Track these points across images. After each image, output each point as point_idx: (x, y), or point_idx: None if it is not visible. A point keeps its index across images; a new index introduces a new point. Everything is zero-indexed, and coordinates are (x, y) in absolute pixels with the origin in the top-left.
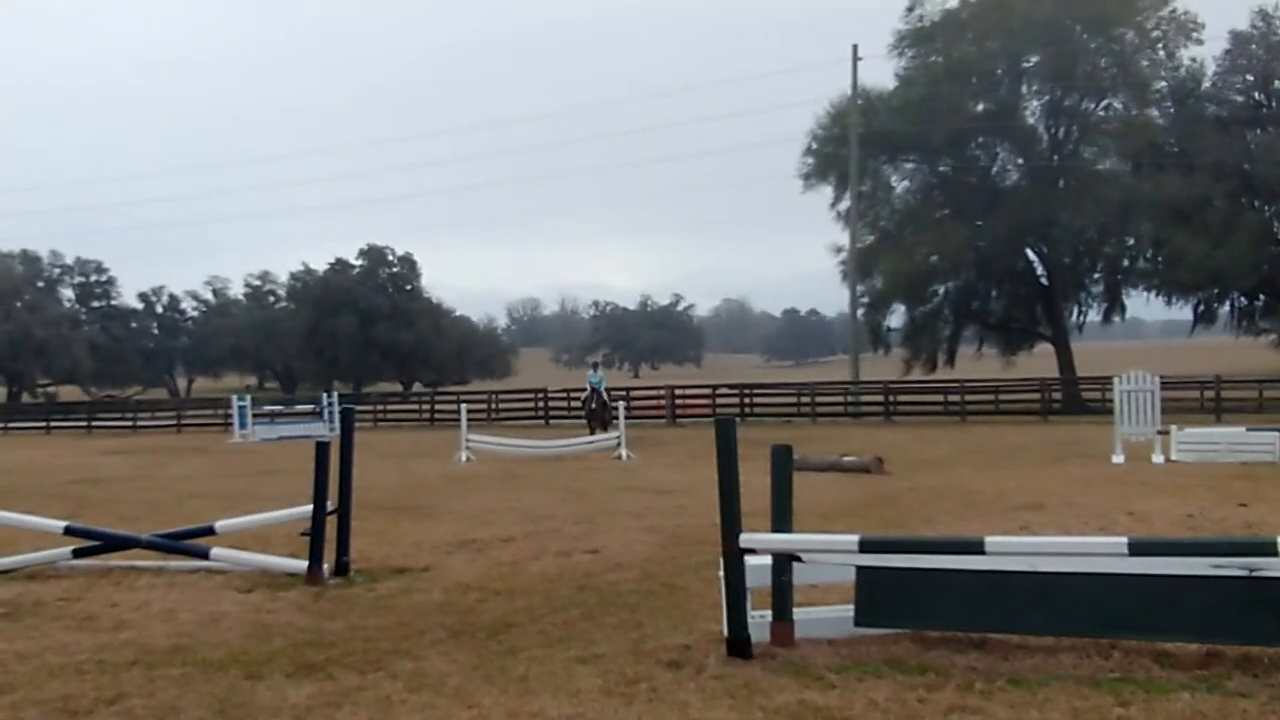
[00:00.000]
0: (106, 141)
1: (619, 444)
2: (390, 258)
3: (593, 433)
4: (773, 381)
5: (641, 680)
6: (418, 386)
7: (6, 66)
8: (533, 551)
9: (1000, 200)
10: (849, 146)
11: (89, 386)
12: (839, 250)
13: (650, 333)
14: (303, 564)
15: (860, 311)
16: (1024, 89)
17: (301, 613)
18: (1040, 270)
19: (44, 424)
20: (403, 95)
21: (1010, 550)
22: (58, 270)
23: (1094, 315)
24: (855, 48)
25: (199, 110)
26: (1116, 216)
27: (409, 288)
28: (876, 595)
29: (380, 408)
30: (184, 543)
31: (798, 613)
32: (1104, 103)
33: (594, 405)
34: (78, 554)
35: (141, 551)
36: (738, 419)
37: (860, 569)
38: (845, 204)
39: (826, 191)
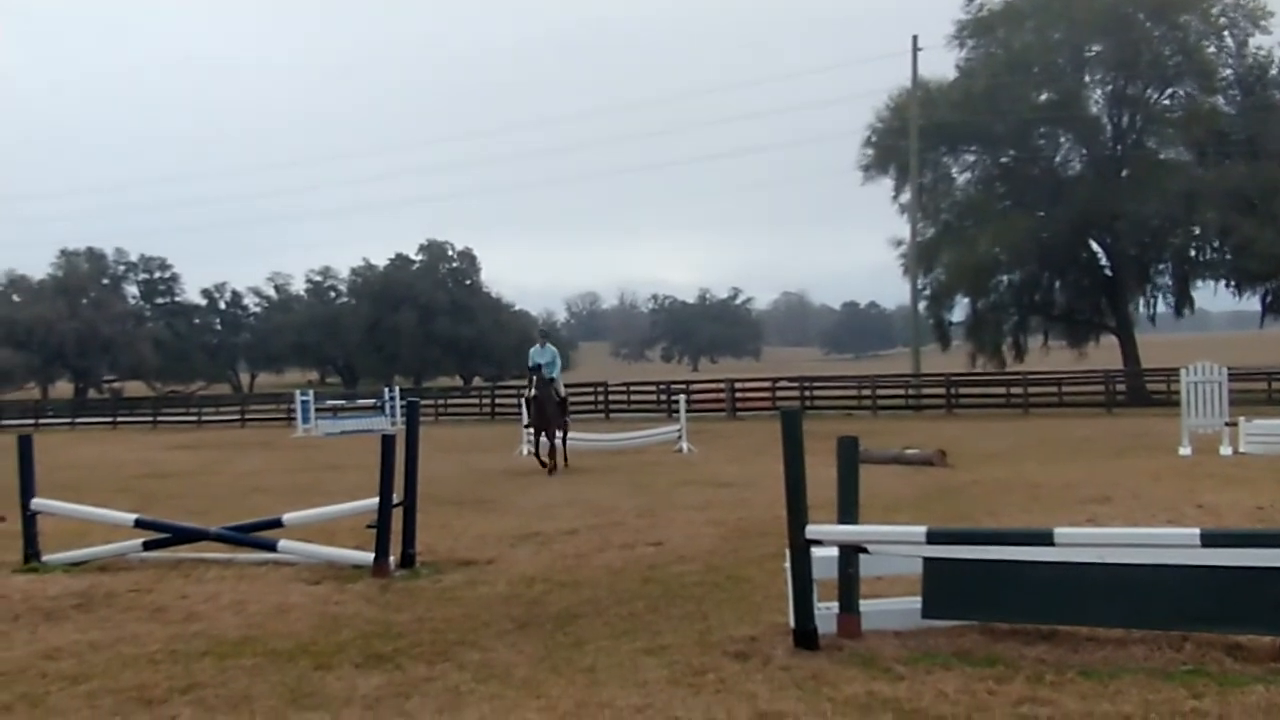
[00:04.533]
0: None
1: (680, 437)
2: (450, 253)
3: (537, 439)
4: (833, 374)
5: (708, 671)
6: (478, 381)
7: (75, 67)
8: (596, 544)
9: (1063, 191)
10: (909, 138)
11: (154, 382)
12: (899, 243)
13: (709, 326)
14: (369, 556)
15: (921, 304)
16: (1087, 78)
17: (369, 604)
18: (1104, 261)
19: (111, 419)
20: (463, 92)
21: (1080, 542)
22: (123, 267)
23: (1162, 307)
24: (915, 39)
25: (260, 110)
26: (1182, 206)
27: (469, 283)
28: (944, 587)
29: (441, 402)
30: (252, 535)
31: (864, 604)
32: (1168, 91)
33: (534, 394)
34: (148, 546)
35: (210, 544)
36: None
37: (927, 561)
38: (906, 196)
39: (886, 184)
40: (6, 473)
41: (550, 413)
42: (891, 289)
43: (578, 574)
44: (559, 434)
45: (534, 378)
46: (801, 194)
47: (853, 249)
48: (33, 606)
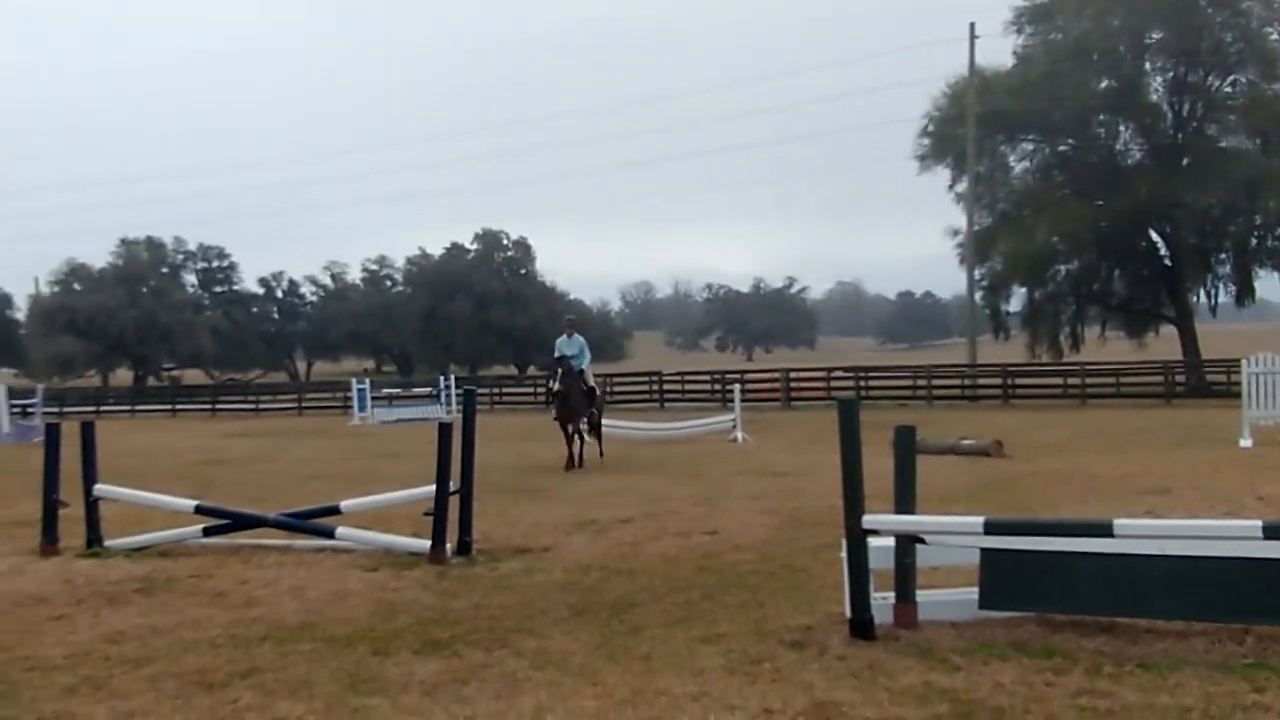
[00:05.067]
0: (227, 130)
1: (735, 426)
2: (505, 242)
3: (568, 437)
4: (888, 364)
5: (764, 660)
6: (532, 370)
7: (133, 57)
8: (651, 532)
9: (1122, 179)
10: (966, 126)
11: (212, 370)
12: (956, 232)
13: (763, 316)
14: (426, 544)
15: (978, 294)
16: (1147, 65)
17: (426, 591)
18: (1164, 250)
19: (170, 407)
20: (519, 79)
21: (1140, 533)
22: (181, 256)
23: (1223, 297)
24: (972, 26)
25: (316, 98)
26: (1243, 194)
27: (523, 271)
28: (1001, 578)
29: (496, 391)
30: (310, 522)
31: (920, 595)
32: (1230, 78)
33: (558, 387)
34: (207, 532)
35: (269, 530)
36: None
37: (985, 551)
38: (962, 185)
39: (943, 173)
40: (69, 459)
41: (575, 405)
42: (947, 279)
43: (633, 562)
44: (585, 426)
45: (559, 370)
46: (857, 183)
47: (908, 238)
48: (96, 591)
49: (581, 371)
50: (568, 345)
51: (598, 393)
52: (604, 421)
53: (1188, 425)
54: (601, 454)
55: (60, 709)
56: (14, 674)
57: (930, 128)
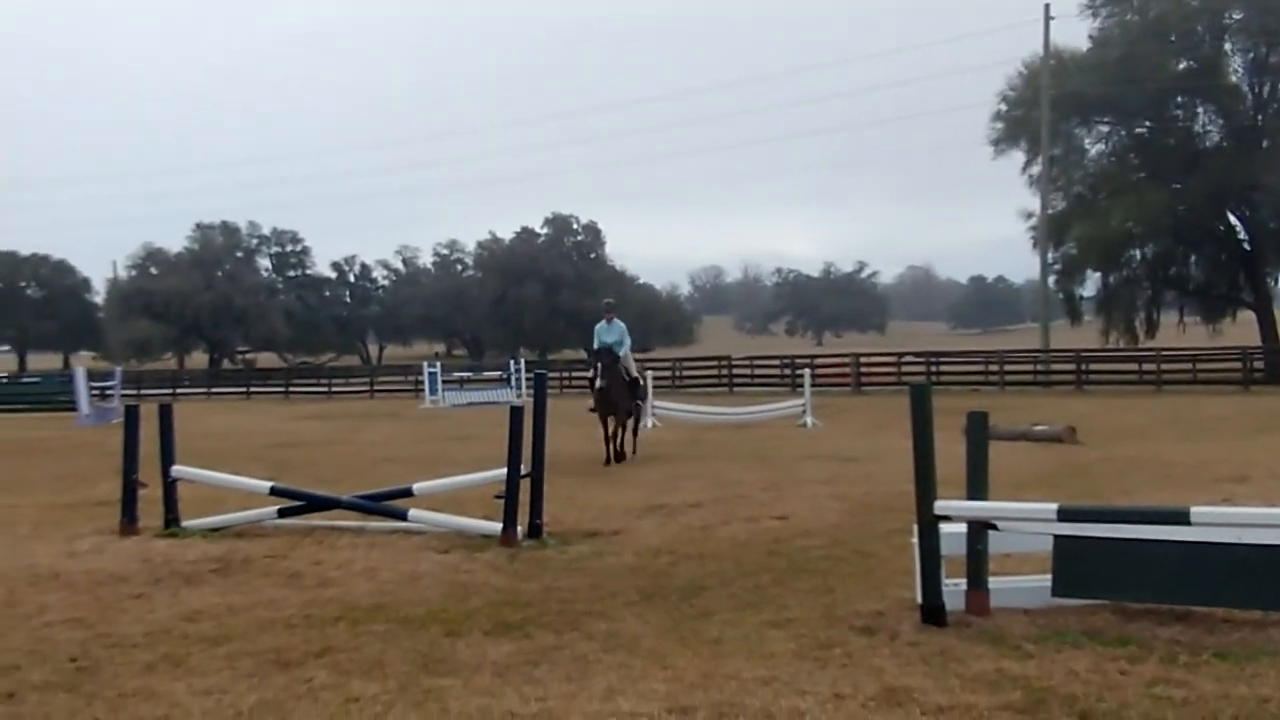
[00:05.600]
0: (302, 115)
1: (804, 411)
2: (575, 226)
3: (607, 433)
4: (960, 349)
5: (835, 645)
6: None
7: (210, 44)
8: (721, 516)
9: (1200, 162)
10: (1040, 109)
11: (285, 353)
12: (1029, 216)
13: (833, 300)
14: (497, 526)
15: (1051, 279)
16: (1226, 46)
17: (497, 573)
18: (1242, 234)
19: (244, 390)
20: (587, 65)
21: (1217, 521)
22: (255, 241)
23: None
24: (1047, 7)
25: (388, 85)
26: None
27: (593, 256)
28: (1074, 565)
29: (565, 375)
30: (383, 504)
31: (992, 581)
32: None
33: (601, 382)
34: (282, 514)
35: (342, 512)
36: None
37: (1058, 538)
38: (1036, 168)
39: (1016, 156)
40: (147, 441)
41: (616, 397)
42: (1020, 263)
43: (703, 546)
44: (629, 421)
45: (599, 363)
46: (929, 167)
47: (980, 222)
48: (174, 570)
49: (619, 357)
50: (607, 332)
51: (640, 383)
52: (671, 406)
53: (1266, 412)
54: (634, 450)
55: (140, 685)
56: (96, 650)
57: (1004, 110)
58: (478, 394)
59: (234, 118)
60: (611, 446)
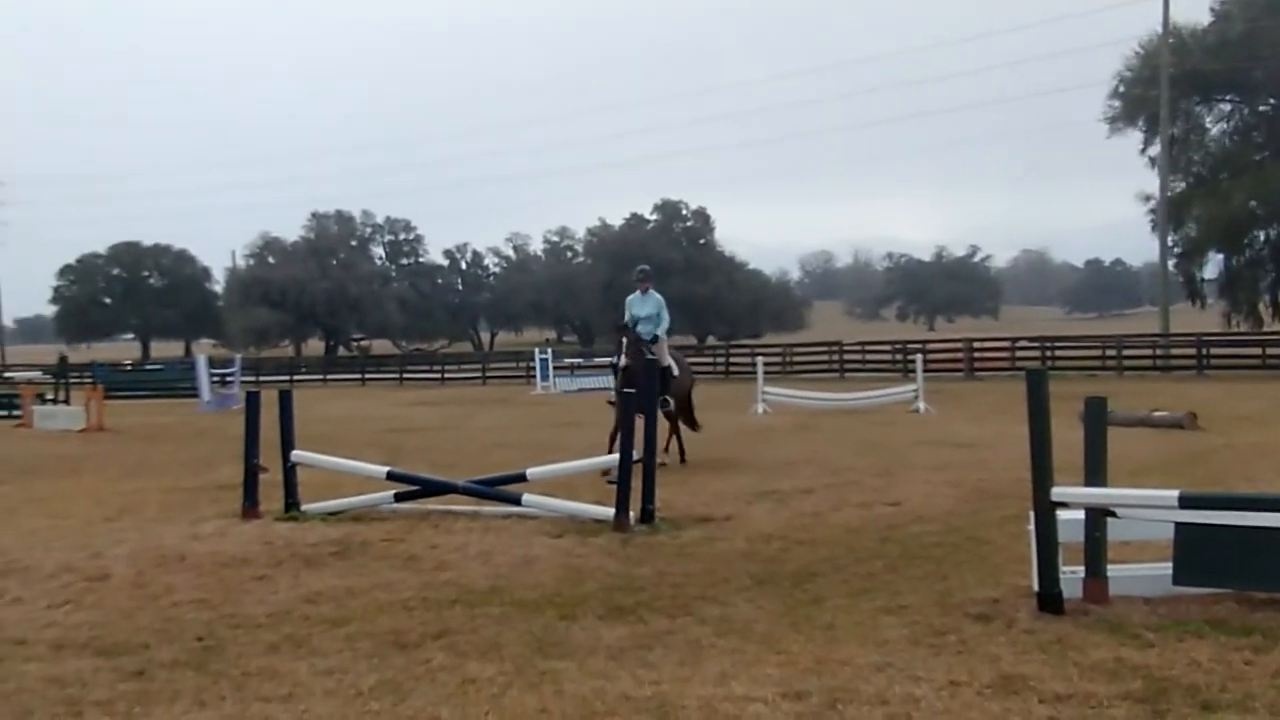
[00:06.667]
0: (413, 104)
1: (916, 397)
2: (684, 212)
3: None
4: (1076, 334)
5: (949, 632)
6: (711, 339)
7: (322, 33)
8: (833, 502)
9: None
10: (1159, 88)
11: (399, 340)
12: (1147, 197)
13: (945, 285)
14: (610, 511)
15: (1171, 261)
16: None
17: (610, 558)
18: None
19: (359, 376)
20: (695, 50)
21: None
22: (369, 229)
23: None
24: None
25: (498, 72)
26: None
27: (703, 242)
28: (1196, 553)
29: None
30: (497, 489)
31: (1110, 569)
32: None
33: (624, 362)
34: (399, 498)
35: (456, 496)
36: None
37: (1179, 526)
38: (1155, 148)
39: (1134, 136)
40: (267, 426)
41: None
42: (1139, 245)
43: (815, 532)
44: (672, 417)
45: (624, 339)
46: (1043, 148)
47: (1097, 204)
48: (294, 553)
49: (655, 340)
50: (640, 304)
51: (675, 371)
52: (782, 391)
53: None
54: (683, 457)
55: (264, 665)
56: (221, 631)
57: (1121, 89)
58: (588, 380)
59: (348, 106)
60: (613, 443)
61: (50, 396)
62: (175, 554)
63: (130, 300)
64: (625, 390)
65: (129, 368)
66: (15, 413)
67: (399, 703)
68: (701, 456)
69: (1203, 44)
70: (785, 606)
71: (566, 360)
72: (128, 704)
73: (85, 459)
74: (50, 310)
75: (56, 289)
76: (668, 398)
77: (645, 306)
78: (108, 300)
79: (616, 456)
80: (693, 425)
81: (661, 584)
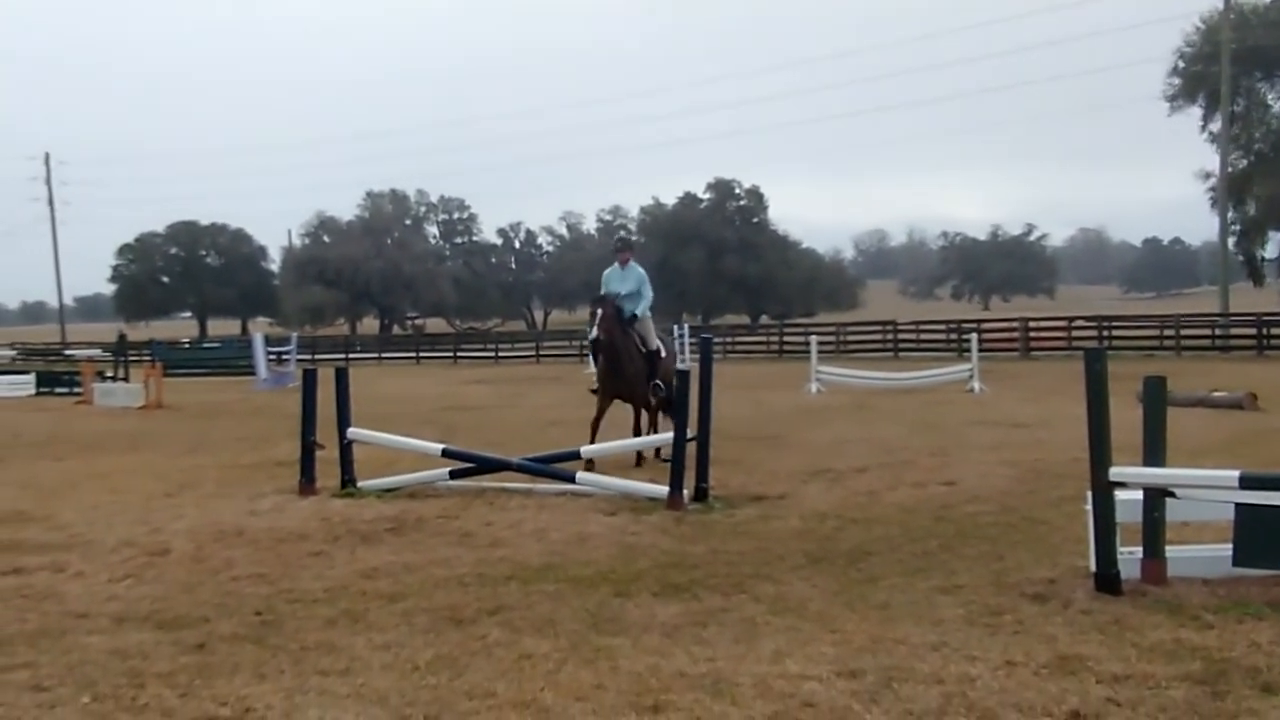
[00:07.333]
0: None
1: (971, 376)
2: (738, 191)
3: (597, 419)
4: (1133, 314)
5: (1005, 612)
6: (765, 318)
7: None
8: (887, 482)
9: None
10: (1220, 64)
11: (453, 319)
12: (1207, 175)
13: (1001, 264)
14: (664, 489)
15: (1231, 240)
16: None
17: (664, 535)
18: None
19: (414, 354)
20: (750, 29)
21: None
22: (424, 208)
23: None
24: None
25: (552, 50)
26: None
27: (756, 220)
28: (1258, 534)
29: (728, 339)
30: (551, 466)
31: (1168, 550)
32: None
33: (596, 333)
34: (454, 475)
35: (511, 474)
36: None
37: (1239, 506)
38: (1215, 125)
39: (1194, 113)
40: (323, 404)
41: (630, 371)
42: (1198, 224)
43: (870, 511)
44: (652, 407)
45: (596, 311)
46: (1100, 125)
47: (1155, 182)
48: (351, 529)
49: (634, 318)
50: (620, 279)
51: (663, 354)
52: (836, 370)
53: None
54: (658, 451)
55: (322, 639)
56: (279, 605)
57: (1181, 66)
58: None
59: (401, 85)
60: (595, 433)
61: (110, 374)
62: (234, 529)
63: (188, 279)
64: (680, 370)
65: (187, 346)
66: (76, 390)
67: (455, 677)
68: (755, 435)
69: (1265, 19)
70: (840, 585)
71: None
72: (188, 676)
73: (144, 435)
74: (109, 289)
75: (115, 268)
76: (659, 382)
77: (625, 282)
78: (166, 279)
79: (670, 435)
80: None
81: (716, 562)
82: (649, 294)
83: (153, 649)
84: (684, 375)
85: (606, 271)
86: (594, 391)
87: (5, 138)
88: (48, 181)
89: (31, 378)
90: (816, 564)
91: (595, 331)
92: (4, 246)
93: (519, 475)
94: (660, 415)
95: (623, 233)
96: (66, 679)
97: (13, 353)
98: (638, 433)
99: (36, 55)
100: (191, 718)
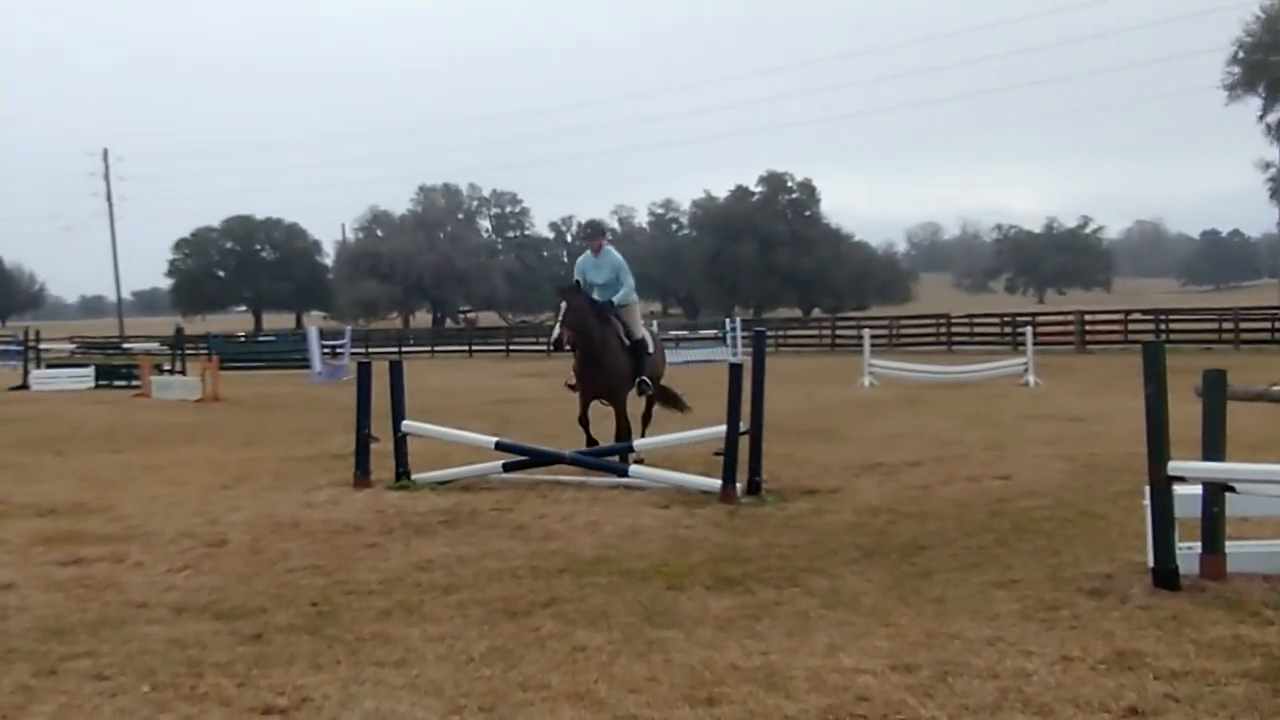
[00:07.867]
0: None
1: (1026, 370)
2: (790, 184)
3: (585, 416)
4: (1191, 307)
5: (1062, 607)
6: (817, 312)
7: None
8: (941, 476)
9: None
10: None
11: (505, 312)
12: (1267, 166)
13: (1056, 257)
14: (716, 483)
15: None
16: None
17: (717, 529)
18: None
19: (466, 348)
20: (801, 21)
21: None
22: (476, 202)
23: None
24: None
25: (603, 43)
26: None
27: (808, 214)
28: None
29: (781, 333)
30: (604, 460)
31: (1228, 545)
32: None
33: (556, 332)
34: (507, 468)
35: (564, 467)
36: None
37: None
38: (1275, 115)
39: (1253, 102)
40: (377, 396)
41: (607, 362)
42: (1257, 215)
43: (923, 505)
44: (650, 401)
45: (562, 302)
46: (1157, 116)
47: (1213, 174)
48: (405, 521)
49: (610, 305)
50: (594, 269)
51: (650, 347)
52: (888, 364)
53: None
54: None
55: (377, 630)
56: (335, 597)
57: (1240, 55)
58: (693, 352)
59: (454, 78)
60: (587, 432)
61: (167, 367)
62: (290, 521)
63: (243, 273)
64: (733, 364)
65: (242, 339)
66: (134, 383)
67: (509, 669)
68: (807, 429)
69: None
70: (893, 579)
71: (672, 332)
72: (246, 666)
73: (201, 428)
74: (166, 283)
75: (172, 262)
76: (645, 379)
77: (600, 272)
78: (221, 273)
79: (724, 429)
80: (680, 406)
81: (768, 555)
82: (629, 281)
83: (211, 639)
84: (737, 369)
85: (580, 260)
86: (570, 387)
87: (65, 135)
88: (106, 177)
89: (91, 371)
90: (870, 558)
91: (558, 329)
92: (63, 242)
93: (572, 468)
94: (654, 410)
95: (593, 219)
96: (127, 668)
97: (72, 346)
98: (619, 438)
99: (96, 53)
100: (249, 707)
